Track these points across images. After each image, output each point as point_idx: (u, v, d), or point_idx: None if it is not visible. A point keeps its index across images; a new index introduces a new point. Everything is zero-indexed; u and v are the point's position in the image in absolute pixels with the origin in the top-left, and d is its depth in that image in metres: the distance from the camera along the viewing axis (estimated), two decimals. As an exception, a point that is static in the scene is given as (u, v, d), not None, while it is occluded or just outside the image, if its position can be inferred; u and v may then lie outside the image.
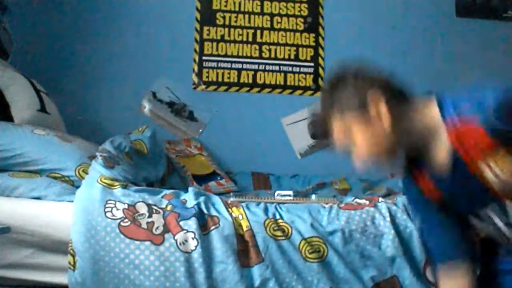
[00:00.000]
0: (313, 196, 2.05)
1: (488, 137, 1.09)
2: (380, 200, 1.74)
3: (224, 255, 1.54)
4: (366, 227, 1.61)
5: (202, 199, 1.67)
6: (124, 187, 1.66)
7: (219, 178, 2.62)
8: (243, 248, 1.57)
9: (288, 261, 1.57)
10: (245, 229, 1.60)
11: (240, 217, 1.62)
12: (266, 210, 1.66)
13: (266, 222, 1.61)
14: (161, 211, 1.59)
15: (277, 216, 1.64)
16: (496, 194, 1.16)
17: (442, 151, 1.19)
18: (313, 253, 1.57)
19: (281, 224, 1.61)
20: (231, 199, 1.78)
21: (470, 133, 1.11)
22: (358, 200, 1.77)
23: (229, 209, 1.65)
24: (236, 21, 3.12)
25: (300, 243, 1.58)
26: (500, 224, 1.23)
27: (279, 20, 3.15)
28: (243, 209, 1.65)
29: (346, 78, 1.21)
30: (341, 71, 1.24)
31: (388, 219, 1.63)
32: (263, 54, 3.11)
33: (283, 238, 1.59)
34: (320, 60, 3.15)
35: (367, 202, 1.73)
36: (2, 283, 1.65)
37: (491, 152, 1.10)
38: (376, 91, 1.18)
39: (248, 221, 1.61)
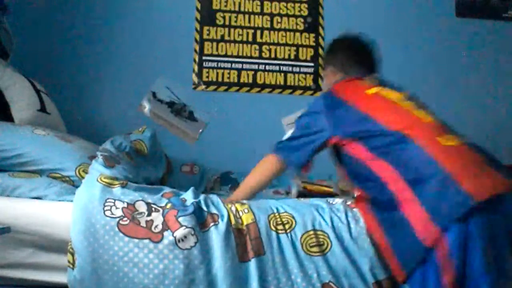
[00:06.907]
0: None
1: None
2: None
3: (224, 251, 1.54)
4: None
5: (201, 197, 1.68)
6: (124, 186, 1.66)
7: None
8: (243, 244, 1.57)
9: (289, 255, 1.57)
10: (249, 221, 1.60)
11: (246, 210, 1.63)
12: (270, 206, 1.67)
13: (270, 216, 1.62)
14: (160, 209, 1.59)
15: (282, 211, 1.65)
16: None
17: None
18: (315, 246, 1.58)
19: (284, 218, 1.62)
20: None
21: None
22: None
23: (229, 205, 1.66)
24: (236, 21, 3.13)
25: (302, 236, 1.58)
26: None
27: (279, 20, 3.15)
28: (248, 205, 1.66)
29: (332, 51, 2.01)
30: (334, 44, 2.03)
31: None
32: (263, 54, 3.12)
33: (285, 231, 1.59)
34: (320, 60, 3.15)
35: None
36: (2, 283, 1.66)
37: None
38: (334, 67, 1.96)
39: (254, 214, 1.62)
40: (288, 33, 3.15)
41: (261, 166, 1.85)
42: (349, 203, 1.71)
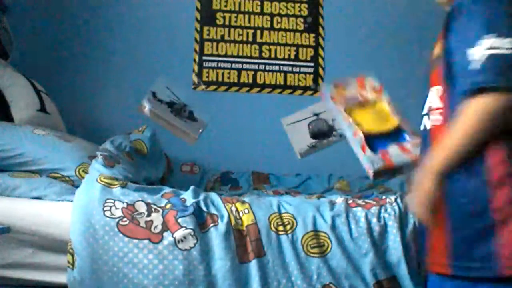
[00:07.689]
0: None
1: None
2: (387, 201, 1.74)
3: (223, 252, 1.55)
4: (371, 224, 1.62)
5: (201, 197, 1.68)
6: (124, 186, 1.66)
7: (404, 138, 1.69)
8: (242, 244, 1.58)
9: (289, 256, 1.57)
10: (250, 222, 1.60)
11: (246, 211, 1.63)
12: (271, 205, 1.67)
13: (271, 217, 1.62)
14: (160, 209, 1.60)
15: (282, 211, 1.65)
16: None
17: None
18: (315, 247, 1.58)
19: (285, 219, 1.62)
20: None
21: None
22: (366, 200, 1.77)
23: (229, 205, 1.65)
24: (236, 21, 3.12)
25: (302, 237, 1.59)
26: None
27: (279, 20, 3.15)
28: (249, 204, 1.66)
29: None
30: None
31: (392, 217, 1.63)
32: (263, 54, 3.12)
33: (286, 232, 1.59)
34: (320, 60, 3.15)
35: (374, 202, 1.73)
36: (2, 283, 1.66)
37: None
38: None
39: (254, 215, 1.62)
40: (288, 33, 3.15)
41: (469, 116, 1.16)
42: (350, 202, 1.71)
